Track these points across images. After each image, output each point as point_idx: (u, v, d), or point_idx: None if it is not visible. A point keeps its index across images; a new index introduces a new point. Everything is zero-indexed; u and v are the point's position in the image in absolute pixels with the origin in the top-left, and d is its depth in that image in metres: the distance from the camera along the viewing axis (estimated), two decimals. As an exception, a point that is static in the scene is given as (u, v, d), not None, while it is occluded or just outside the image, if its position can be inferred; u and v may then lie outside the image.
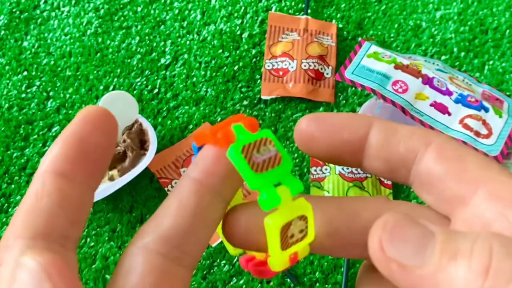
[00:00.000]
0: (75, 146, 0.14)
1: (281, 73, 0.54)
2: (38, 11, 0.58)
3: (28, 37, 0.57)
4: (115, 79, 0.54)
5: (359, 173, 0.49)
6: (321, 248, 0.16)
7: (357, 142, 0.16)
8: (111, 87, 0.54)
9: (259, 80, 0.54)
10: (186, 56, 0.55)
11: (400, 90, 0.49)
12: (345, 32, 0.57)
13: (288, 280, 0.45)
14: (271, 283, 0.45)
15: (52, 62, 0.55)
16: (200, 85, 0.54)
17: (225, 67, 0.55)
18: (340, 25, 0.57)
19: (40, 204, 0.14)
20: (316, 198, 0.16)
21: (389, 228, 0.13)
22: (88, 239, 0.47)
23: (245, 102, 0.53)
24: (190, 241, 0.15)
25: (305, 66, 0.53)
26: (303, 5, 0.58)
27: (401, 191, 0.49)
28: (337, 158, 0.16)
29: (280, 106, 0.53)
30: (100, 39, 0.57)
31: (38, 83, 0.54)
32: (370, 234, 0.14)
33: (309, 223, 0.15)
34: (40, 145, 0.51)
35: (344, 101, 0.53)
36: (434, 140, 0.15)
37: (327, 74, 0.54)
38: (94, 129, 0.14)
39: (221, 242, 0.46)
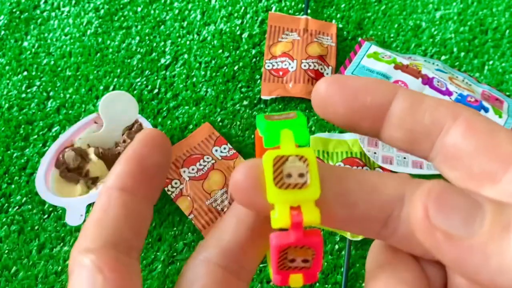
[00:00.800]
0: (136, 164, 0.15)
1: (281, 73, 0.54)
2: (38, 11, 0.58)
3: (28, 37, 0.57)
4: (115, 79, 0.54)
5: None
6: (334, 220, 0.15)
7: (379, 109, 0.15)
8: (111, 87, 0.54)
9: (259, 80, 0.54)
10: (186, 56, 0.55)
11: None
12: (345, 32, 0.57)
13: (288, 280, 0.45)
14: (271, 283, 0.45)
15: (52, 62, 0.55)
16: (200, 85, 0.54)
17: (225, 67, 0.55)
18: (340, 25, 0.57)
19: (107, 217, 0.15)
20: (331, 166, 0.15)
21: (435, 195, 0.12)
22: (88, 239, 0.47)
23: (245, 102, 0.53)
24: (248, 256, 0.16)
25: (305, 66, 0.53)
26: (303, 5, 0.58)
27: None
28: (355, 125, 0.15)
29: (280, 106, 0.53)
30: (100, 39, 0.57)
31: (38, 83, 0.54)
32: (413, 202, 0.13)
33: (311, 168, 0.14)
34: (40, 145, 0.51)
35: (344, 101, 0.53)
36: (463, 113, 0.14)
37: (327, 74, 0.54)
38: (152, 149, 0.15)
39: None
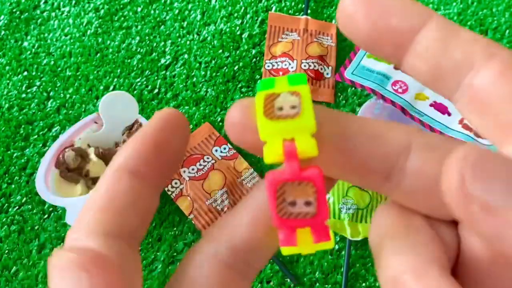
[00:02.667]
0: (151, 146, 0.14)
1: (281, 73, 0.54)
2: (38, 11, 0.59)
3: (28, 37, 0.57)
4: (115, 79, 0.54)
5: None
6: (333, 164, 0.14)
7: (407, 34, 0.13)
8: (111, 87, 0.54)
9: (259, 80, 0.54)
10: (186, 56, 0.55)
11: (400, 90, 0.49)
12: (345, 32, 0.57)
13: (288, 280, 0.45)
14: (271, 283, 0.45)
15: (52, 62, 0.55)
16: (200, 85, 0.54)
17: (225, 67, 0.55)
18: (340, 25, 0.57)
19: (114, 202, 0.14)
20: (330, 109, 0.14)
21: (473, 161, 0.11)
22: (88, 239, 0.47)
23: (245, 102, 0.53)
24: (258, 256, 0.15)
25: (305, 66, 0.53)
26: (303, 5, 0.58)
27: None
28: (377, 48, 0.14)
29: (280, 106, 0.53)
30: (100, 39, 0.57)
31: (38, 83, 0.54)
32: (445, 166, 0.11)
33: (304, 100, 0.13)
34: (40, 145, 0.51)
35: (344, 101, 0.53)
36: (500, 54, 0.12)
37: (327, 74, 0.54)
38: (170, 131, 0.14)
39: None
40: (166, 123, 0.14)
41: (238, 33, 0.57)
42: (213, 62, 0.55)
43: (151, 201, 0.14)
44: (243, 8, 0.58)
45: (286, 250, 0.14)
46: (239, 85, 0.54)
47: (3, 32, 0.57)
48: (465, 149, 0.11)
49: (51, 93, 0.54)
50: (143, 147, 0.14)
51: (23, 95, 0.54)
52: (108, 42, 0.56)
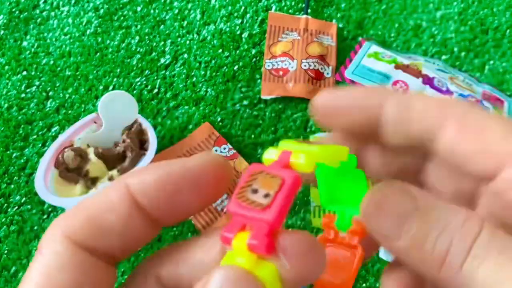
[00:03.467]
0: (166, 193, 0.14)
1: (281, 73, 0.54)
2: (37, 11, 0.58)
3: (28, 37, 0.57)
4: (115, 79, 0.54)
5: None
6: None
7: (372, 121, 0.16)
8: (110, 87, 0.54)
9: (259, 80, 0.54)
10: (186, 56, 0.55)
11: (400, 90, 0.49)
12: (345, 32, 0.57)
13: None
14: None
15: (52, 62, 0.55)
16: (200, 85, 0.54)
17: (225, 67, 0.54)
18: (340, 25, 0.57)
19: (108, 217, 0.14)
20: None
21: (377, 201, 0.14)
22: (88, 240, 0.46)
23: (245, 102, 0.53)
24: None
25: (305, 66, 0.53)
26: (303, 5, 0.58)
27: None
28: (358, 135, 0.16)
29: (280, 106, 0.53)
30: (99, 39, 0.56)
31: (37, 83, 0.54)
32: (365, 200, 0.14)
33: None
34: (40, 145, 0.51)
35: (344, 101, 0.53)
36: (451, 114, 0.14)
37: (327, 74, 0.54)
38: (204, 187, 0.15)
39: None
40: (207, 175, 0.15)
41: (238, 32, 0.56)
42: (213, 61, 0.55)
43: (145, 231, 0.14)
44: (243, 7, 0.58)
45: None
46: (239, 85, 0.54)
47: (2, 32, 0.57)
48: (373, 192, 0.14)
49: (51, 93, 0.54)
50: (156, 188, 0.14)
51: (22, 95, 0.54)
52: (108, 41, 0.56)
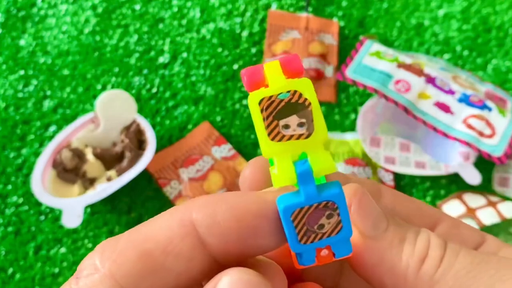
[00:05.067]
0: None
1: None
2: (35, 9, 0.58)
3: (25, 36, 0.56)
4: (113, 78, 0.54)
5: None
6: None
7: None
8: (108, 86, 0.53)
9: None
10: (185, 54, 0.55)
11: (402, 89, 0.48)
12: (346, 31, 0.56)
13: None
14: None
15: (49, 61, 0.55)
16: (199, 84, 0.53)
17: (224, 66, 0.54)
18: (342, 24, 0.57)
19: (165, 261, 0.11)
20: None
21: (359, 197, 0.14)
22: (86, 241, 0.46)
23: (245, 102, 0.52)
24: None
25: (306, 65, 0.53)
26: (304, 3, 0.57)
27: (404, 191, 0.48)
28: None
29: (280, 106, 0.52)
30: (97, 38, 0.56)
31: (35, 82, 0.54)
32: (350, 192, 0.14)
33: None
34: (37, 145, 0.50)
35: (345, 100, 0.52)
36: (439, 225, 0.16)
37: (328, 73, 0.53)
38: None
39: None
40: None
41: (238, 31, 0.56)
42: (213, 60, 0.54)
43: (202, 274, 0.12)
44: (243, 6, 0.57)
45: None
46: (239, 84, 0.53)
47: (0, 31, 0.57)
48: (354, 186, 0.14)
49: (48, 92, 0.53)
50: (229, 228, 0.12)
51: (20, 94, 0.53)
52: (106, 40, 0.56)
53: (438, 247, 0.14)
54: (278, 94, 0.11)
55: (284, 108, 0.11)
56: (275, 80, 0.11)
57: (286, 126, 0.11)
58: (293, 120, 0.11)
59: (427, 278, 0.13)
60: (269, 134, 0.11)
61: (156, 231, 0.12)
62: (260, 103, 0.11)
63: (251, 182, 0.14)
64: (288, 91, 0.11)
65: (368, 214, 0.14)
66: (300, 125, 0.11)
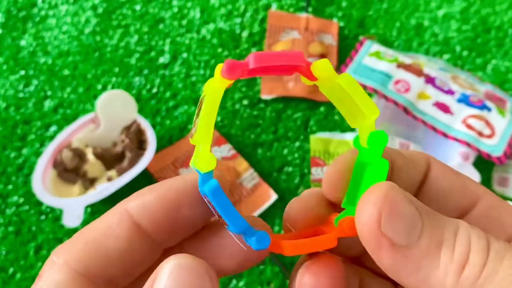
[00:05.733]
0: (164, 209, 0.14)
1: (281, 72, 0.53)
2: (35, 10, 0.58)
3: (26, 36, 0.56)
4: (113, 78, 0.54)
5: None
6: None
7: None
8: (109, 86, 0.53)
9: (259, 80, 0.53)
10: (185, 55, 0.55)
11: (402, 89, 0.48)
12: (346, 31, 0.57)
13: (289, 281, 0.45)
14: (272, 285, 0.45)
15: (50, 61, 0.55)
16: (200, 84, 0.53)
17: (224, 66, 0.54)
18: (342, 24, 0.57)
19: (106, 243, 0.14)
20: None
21: (389, 203, 0.13)
22: (86, 241, 0.46)
23: (245, 102, 0.52)
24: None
25: (305, 65, 0.53)
26: (304, 3, 0.57)
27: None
28: None
29: (280, 106, 0.52)
30: (98, 38, 0.56)
31: (35, 82, 0.54)
32: (365, 201, 0.13)
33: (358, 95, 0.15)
34: (38, 145, 0.50)
35: (345, 101, 0.52)
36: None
37: (328, 73, 0.53)
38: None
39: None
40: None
41: (238, 31, 0.56)
42: (213, 61, 0.54)
43: (145, 255, 0.14)
44: (243, 6, 0.57)
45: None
46: (239, 85, 0.53)
47: (0, 31, 0.57)
48: (384, 189, 0.13)
49: (49, 93, 0.53)
50: (156, 206, 0.14)
51: (20, 95, 0.53)
52: (106, 40, 0.56)
53: (480, 250, 0.12)
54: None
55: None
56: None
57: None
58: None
59: (468, 287, 0.12)
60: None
61: (99, 223, 0.14)
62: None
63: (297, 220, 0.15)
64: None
65: (399, 222, 0.13)
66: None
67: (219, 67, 0.14)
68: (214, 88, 0.14)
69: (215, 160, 0.14)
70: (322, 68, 0.14)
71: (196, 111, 0.14)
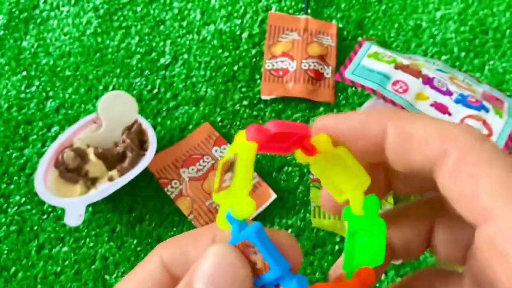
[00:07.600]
0: None
1: (281, 73, 0.54)
2: (37, 11, 0.58)
3: (28, 37, 0.57)
4: (115, 79, 0.54)
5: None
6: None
7: (374, 148, 0.15)
8: (110, 87, 0.54)
9: (259, 80, 0.54)
10: (185, 56, 0.55)
11: (400, 90, 0.49)
12: (345, 32, 0.57)
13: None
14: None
15: (52, 62, 0.55)
16: (200, 85, 0.54)
17: (224, 67, 0.54)
18: (340, 25, 0.57)
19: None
20: None
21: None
22: (88, 240, 0.46)
23: (245, 102, 0.53)
24: None
25: (305, 66, 0.53)
26: (303, 5, 0.58)
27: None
28: (368, 163, 0.16)
29: (280, 106, 0.52)
30: (99, 39, 0.56)
31: (37, 83, 0.54)
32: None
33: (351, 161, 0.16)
34: (40, 145, 0.51)
35: (344, 101, 0.53)
36: (451, 149, 0.14)
37: (327, 74, 0.54)
38: None
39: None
40: None
41: (238, 32, 0.56)
42: (213, 62, 0.55)
43: None
44: (243, 7, 0.58)
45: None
46: (239, 85, 0.54)
47: (2, 32, 0.57)
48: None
49: (50, 93, 0.54)
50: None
51: (22, 95, 0.54)
52: (108, 41, 0.56)
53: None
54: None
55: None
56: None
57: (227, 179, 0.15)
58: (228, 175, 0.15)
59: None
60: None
61: (141, 270, 0.17)
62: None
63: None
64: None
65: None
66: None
67: (242, 135, 0.15)
68: (248, 147, 0.15)
69: (254, 205, 0.14)
70: (324, 141, 0.16)
71: (220, 171, 0.15)
